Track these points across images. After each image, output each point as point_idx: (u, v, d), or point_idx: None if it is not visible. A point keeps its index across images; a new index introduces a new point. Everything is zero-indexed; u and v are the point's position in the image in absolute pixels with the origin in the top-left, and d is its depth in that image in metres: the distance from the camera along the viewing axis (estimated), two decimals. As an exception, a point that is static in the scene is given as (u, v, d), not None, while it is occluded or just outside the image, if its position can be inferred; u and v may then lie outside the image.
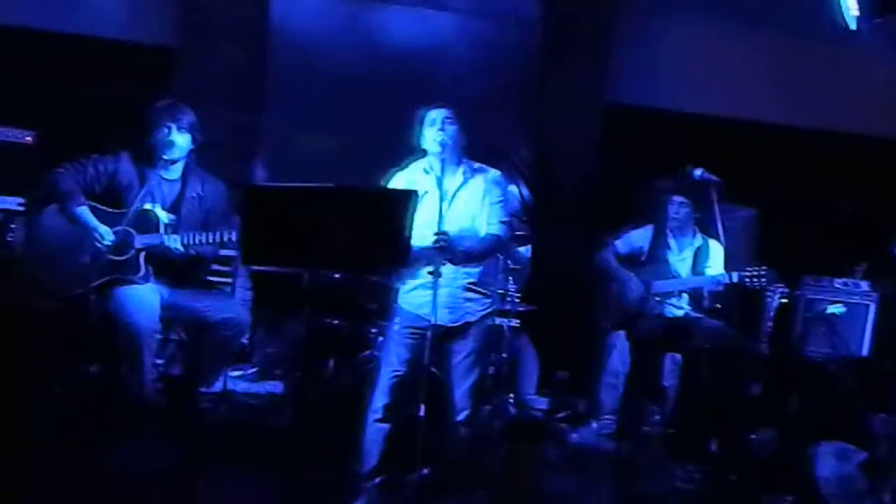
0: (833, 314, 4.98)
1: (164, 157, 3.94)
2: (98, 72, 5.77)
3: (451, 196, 3.53)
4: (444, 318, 3.41)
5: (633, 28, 6.40)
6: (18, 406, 3.52)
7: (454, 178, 3.55)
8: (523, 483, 3.67)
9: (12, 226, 4.49)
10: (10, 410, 3.45)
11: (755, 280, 4.36)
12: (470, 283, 3.54)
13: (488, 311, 3.60)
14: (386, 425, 3.51)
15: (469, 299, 3.54)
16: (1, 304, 3.88)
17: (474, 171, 3.60)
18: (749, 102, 6.43)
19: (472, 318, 3.54)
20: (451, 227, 3.40)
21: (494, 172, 3.65)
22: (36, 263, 4.00)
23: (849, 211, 6.09)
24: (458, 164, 3.58)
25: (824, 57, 6.45)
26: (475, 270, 3.54)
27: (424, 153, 3.60)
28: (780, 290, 4.46)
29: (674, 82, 6.47)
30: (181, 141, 4.00)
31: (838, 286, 5.10)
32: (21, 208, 4.59)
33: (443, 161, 3.45)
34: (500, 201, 3.59)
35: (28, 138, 4.79)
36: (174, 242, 3.88)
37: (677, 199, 4.73)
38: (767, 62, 6.47)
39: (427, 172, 3.57)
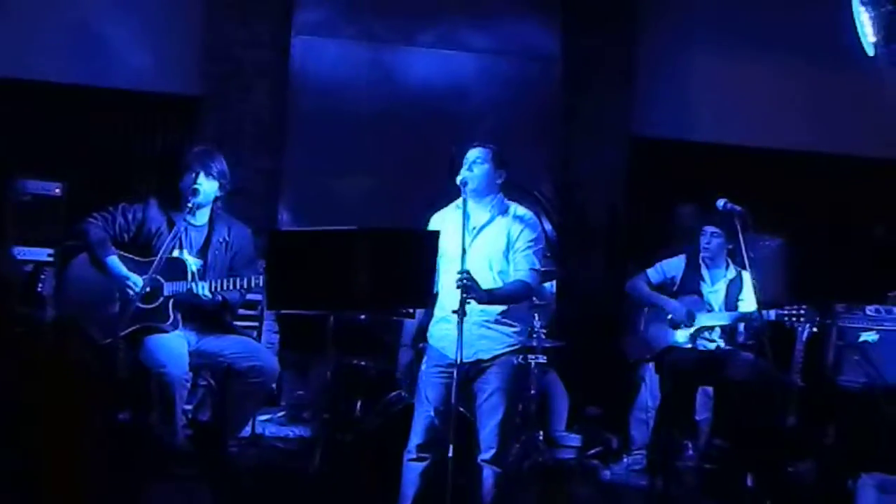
0: (866, 342, 4.88)
1: (191, 202, 3.96)
2: (124, 123, 5.91)
3: (475, 233, 3.52)
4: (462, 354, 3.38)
5: (654, 60, 6.43)
6: (54, 455, 3.54)
7: (481, 216, 3.54)
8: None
9: (42, 276, 4.55)
10: (45, 459, 3.46)
11: (794, 319, 4.30)
12: (484, 320, 3.49)
13: (507, 349, 3.53)
14: (421, 465, 3.47)
15: (483, 336, 3.49)
16: (33, 355, 3.91)
17: (504, 210, 3.58)
18: (774, 130, 6.41)
19: (485, 356, 3.48)
20: (474, 263, 3.38)
21: (526, 212, 3.62)
22: (66, 313, 4.04)
23: (879, 237, 6.00)
24: (490, 202, 3.56)
25: (849, 83, 6.41)
26: (493, 309, 3.49)
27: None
28: (812, 319, 4.38)
29: (697, 112, 6.47)
30: (208, 187, 4.04)
31: (871, 313, 5.00)
32: (51, 259, 4.65)
33: (465, 199, 3.44)
34: (531, 246, 3.54)
35: (57, 190, 4.88)
36: (202, 289, 3.90)
37: (709, 229, 4.70)
38: (791, 89, 6.46)
39: (459, 209, 3.56)
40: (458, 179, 3.46)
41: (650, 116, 6.38)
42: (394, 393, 4.23)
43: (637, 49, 6.39)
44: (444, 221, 3.56)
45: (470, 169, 3.51)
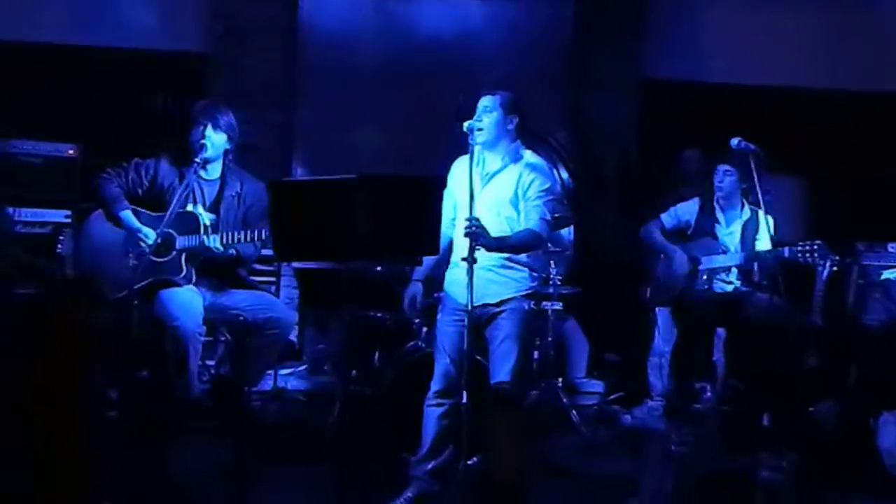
0: (888, 279, 4.82)
1: (201, 156, 3.98)
2: (134, 83, 5.89)
3: (486, 181, 3.49)
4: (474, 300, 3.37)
5: (664, 2, 6.28)
6: (75, 413, 3.61)
7: (493, 163, 3.51)
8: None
9: (61, 237, 4.59)
10: (66, 417, 3.53)
11: (808, 255, 4.24)
12: (491, 265, 3.45)
13: (515, 294, 3.51)
14: (438, 409, 3.50)
15: (491, 281, 3.46)
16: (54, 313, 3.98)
17: (516, 158, 3.54)
18: (788, 69, 6.28)
19: (491, 301, 3.46)
20: (483, 211, 3.36)
21: (539, 160, 3.58)
22: (85, 271, 4.10)
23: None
24: (503, 149, 3.52)
25: (862, 20, 6.26)
26: (499, 254, 3.46)
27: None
28: (832, 258, 4.32)
29: (710, 54, 6.36)
30: (217, 139, 4.05)
31: (892, 251, 4.93)
32: (68, 220, 4.70)
33: (472, 147, 3.40)
34: (542, 196, 3.50)
35: (71, 152, 4.90)
36: (214, 242, 3.94)
37: (722, 167, 4.63)
38: (806, 27, 6.31)
39: (472, 158, 3.51)
40: (465, 127, 3.42)
41: (662, 59, 6.26)
42: (411, 343, 4.25)
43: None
44: (458, 169, 3.54)
45: (479, 118, 3.47)
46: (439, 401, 3.50)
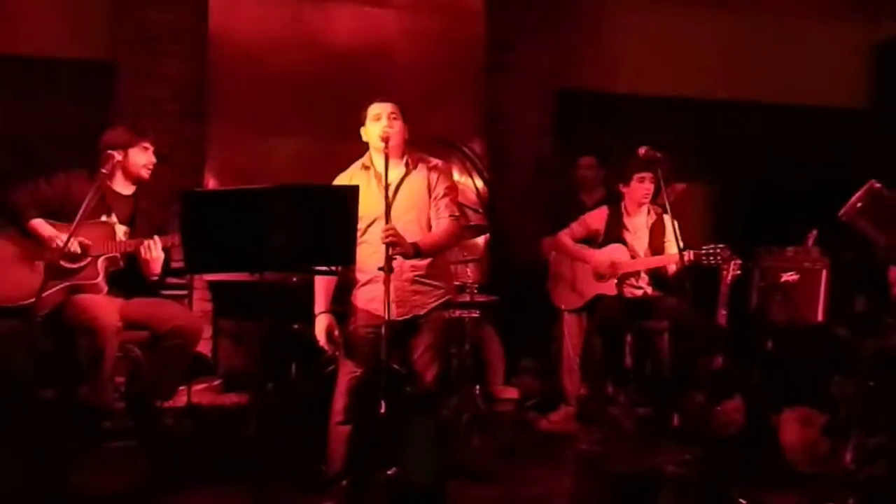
0: (787, 282, 5.05)
1: (115, 178, 4.00)
2: (39, 91, 5.70)
3: (395, 189, 3.51)
4: (393, 312, 3.40)
5: (579, 12, 6.45)
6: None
7: (397, 172, 3.53)
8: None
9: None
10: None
11: (712, 258, 4.41)
12: (417, 276, 3.52)
13: (439, 302, 3.57)
14: (347, 427, 3.49)
15: (417, 292, 3.52)
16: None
17: (417, 163, 3.59)
18: (695, 80, 6.53)
19: (421, 311, 3.52)
20: (397, 220, 3.38)
21: (437, 162, 3.64)
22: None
23: (798, 180, 6.18)
24: (401, 157, 3.56)
25: (768, 32, 6.57)
26: (422, 262, 3.51)
27: (366, 148, 3.59)
28: (735, 261, 4.51)
29: (621, 64, 6.55)
30: (132, 168, 4.07)
31: (790, 254, 5.16)
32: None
33: (385, 155, 3.42)
34: (448, 193, 3.56)
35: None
36: (156, 247, 3.90)
37: (638, 175, 4.78)
38: (709, 39, 6.59)
39: (367, 168, 3.56)
40: (380, 134, 3.43)
41: (575, 69, 6.42)
42: (327, 354, 4.22)
43: (558, 2, 6.40)
44: (352, 183, 3.50)
45: (387, 123, 3.49)
46: (347, 417, 3.49)
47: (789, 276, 5.06)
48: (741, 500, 3.42)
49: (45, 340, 3.83)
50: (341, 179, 3.58)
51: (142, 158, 4.09)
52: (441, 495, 3.52)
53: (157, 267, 3.94)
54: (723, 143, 6.47)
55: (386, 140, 3.43)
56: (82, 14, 5.78)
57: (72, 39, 5.74)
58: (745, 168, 6.38)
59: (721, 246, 4.42)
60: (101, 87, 5.72)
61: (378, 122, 3.49)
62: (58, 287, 3.89)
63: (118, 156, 4.01)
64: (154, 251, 3.89)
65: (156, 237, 3.92)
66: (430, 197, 3.55)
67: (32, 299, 3.73)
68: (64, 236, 3.84)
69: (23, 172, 4.12)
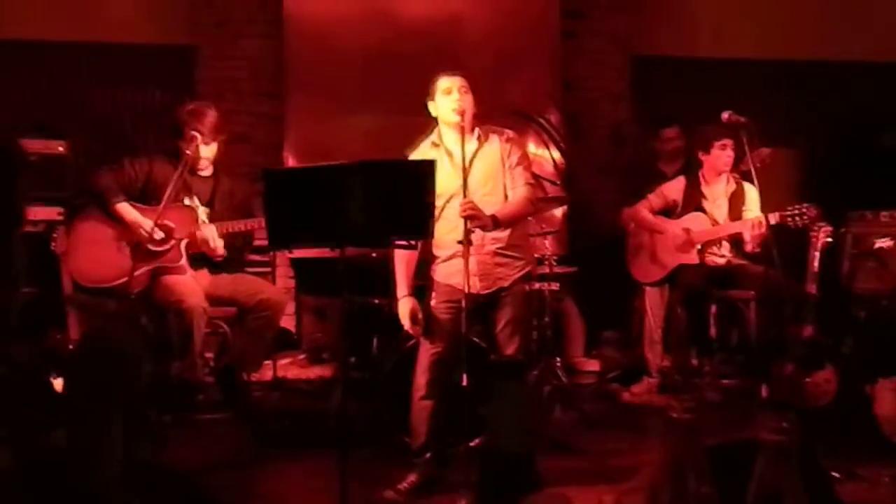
0: (881, 248, 4.84)
1: (192, 161, 4.08)
2: (121, 76, 5.88)
3: (468, 163, 3.46)
4: (476, 286, 3.40)
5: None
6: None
7: (469, 146, 3.47)
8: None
9: (54, 234, 4.59)
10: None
11: (797, 218, 4.26)
12: (499, 249, 3.50)
13: (521, 274, 3.55)
14: (429, 402, 3.51)
15: (499, 265, 3.50)
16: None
17: (488, 135, 3.54)
18: (775, 41, 6.30)
19: (505, 284, 3.51)
20: (474, 194, 3.36)
21: (508, 133, 3.58)
22: (80, 263, 4.12)
23: (889, 143, 5.91)
24: (472, 130, 3.50)
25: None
26: (503, 235, 3.49)
27: (435, 123, 3.57)
28: (825, 228, 4.34)
29: (701, 28, 6.35)
30: (206, 149, 4.16)
31: (885, 219, 4.95)
32: (61, 217, 4.69)
33: (462, 128, 3.40)
34: (521, 162, 3.52)
35: (60, 148, 4.89)
36: (211, 231, 4.00)
37: (719, 142, 4.65)
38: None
39: (437, 145, 3.52)
40: (454, 108, 3.41)
41: (651, 35, 6.26)
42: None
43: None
44: (427, 156, 3.47)
45: (459, 97, 3.43)
46: (429, 392, 3.50)
47: (883, 243, 4.85)
48: (834, 473, 3.32)
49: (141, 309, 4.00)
50: (413, 157, 3.55)
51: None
52: (531, 463, 3.52)
53: (218, 251, 4.07)
54: (810, 105, 6.23)
55: (462, 114, 3.40)
56: (162, 1, 5.92)
57: (152, 25, 5.90)
58: (835, 130, 6.13)
59: (807, 205, 4.26)
60: (182, 70, 5.88)
61: (449, 96, 3.45)
62: (144, 269, 4.02)
63: (199, 136, 4.08)
64: (212, 241, 4.01)
65: (206, 224, 4.03)
66: (504, 168, 3.51)
67: (125, 279, 3.87)
68: (147, 221, 3.96)
69: (109, 155, 4.27)
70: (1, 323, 4.24)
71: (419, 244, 3.44)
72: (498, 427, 3.48)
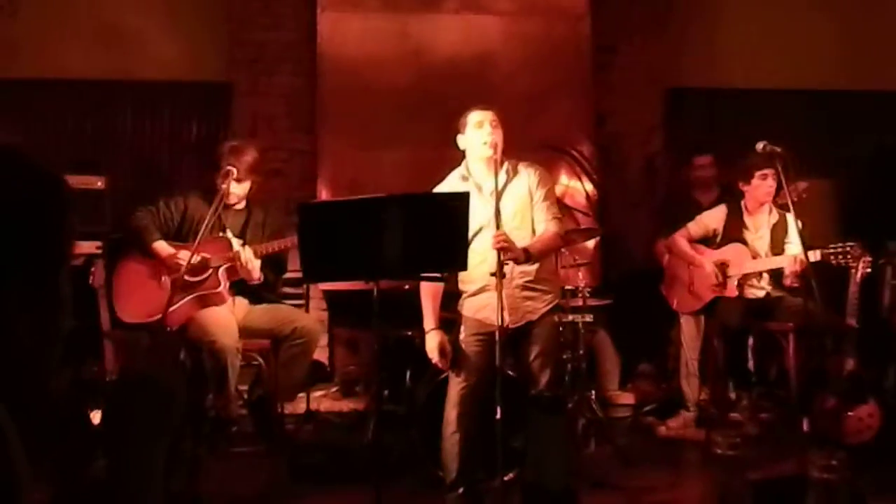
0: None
1: (227, 198, 4.15)
2: (158, 114, 6.02)
3: (497, 198, 3.42)
4: (505, 320, 3.37)
5: (683, 7, 6.30)
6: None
7: (498, 179, 3.44)
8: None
9: (92, 269, 4.66)
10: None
11: (841, 257, 4.19)
12: (527, 282, 3.48)
13: (549, 307, 3.53)
14: (460, 435, 3.48)
15: (528, 298, 3.49)
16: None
17: (517, 169, 3.54)
18: (810, 71, 6.26)
19: (534, 317, 3.49)
20: (503, 227, 3.32)
21: (536, 167, 3.58)
22: (119, 300, 4.17)
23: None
24: (500, 164, 3.48)
25: (887, 15, 6.23)
26: (531, 269, 3.47)
27: (463, 157, 3.57)
28: (865, 258, 4.26)
29: (731, 59, 6.33)
30: (238, 189, 4.23)
31: (926, 250, 4.86)
32: (99, 251, 4.77)
33: (495, 161, 3.40)
34: (548, 197, 3.52)
35: (99, 184, 4.99)
36: (248, 254, 4.05)
37: (760, 172, 4.61)
38: (824, 28, 6.30)
39: (466, 179, 3.52)
40: (486, 142, 3.42)
41: (683, 67, 6.26)
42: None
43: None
44: (458, 188, 3.47)
45: (490, 130, 3.44)
46: (459, 425, 3.47)
47: (925, 273, 4.76)
48: (880, 510, 3.23)
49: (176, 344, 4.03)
50: (441, 189, 3.55)
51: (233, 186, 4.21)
52: (572, 498, 3.47)
53: (255, 273, 4.09)
54: (844, 135, 6.17)
55: (495, 147, 3.40)
56: (199, 39, 6.06)
57: (190, 63, 6.03)
58: (871, 160, 6.05)
59: (851, 244, 4.19)
60: (218, 106, 5.99)
61: (481, 130, 3.45)
62: (185, 300, 4.06)
63: (234, 171, 4.14)
64: (248, 263, 4.04)
65: (243, 247, 4.08)
66: (531, 201, 3.51)
67: (159, 315, 3.91)
68: (184, 253, 4.02)
69: (146, 190, 4.35)
70: (45, 357, 4.29)
71: (447, 277, 3.44)
72: (540, 462, 3.44)
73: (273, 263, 4.24)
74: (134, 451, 2.05)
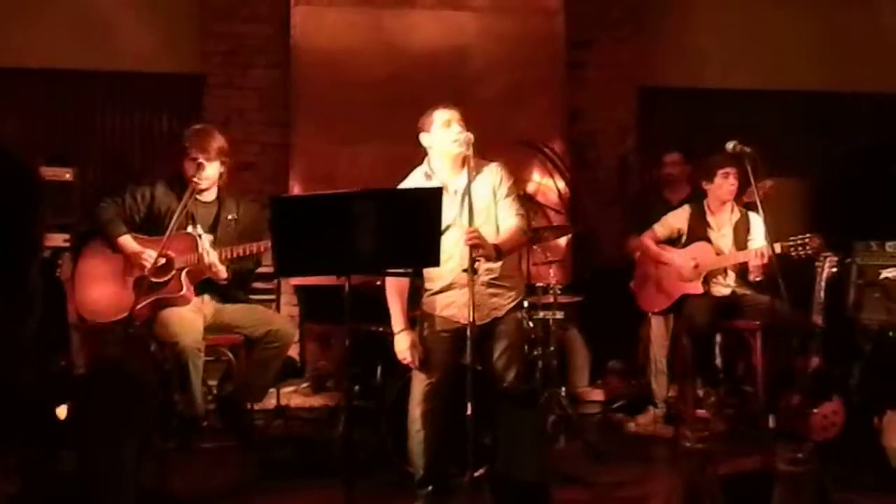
0: (887, 278, 4.83)
1: (196, 184, 4.02)
2: (130, 105, 5.95)
3: (462, 196, 3.43)
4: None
5: (658, 7, 6.34)
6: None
7: (461, 178, 3.45)
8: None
9: (59, 262, 4.60)
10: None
11: (801, 248, 4.26)
12: (492, 279, 3.48)
13: (513, 303, 3.54)
14: (425, 432, 3.50)
15: (493, 295, 3.49)
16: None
17: (480, 167, 3.52)
18: (782, 72, 6.33)
19: (499, 314, 3.50)
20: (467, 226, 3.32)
21: (497, 165, 3.57)
22: (83, 297, 4.10)
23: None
24: (462, 164, 3.47)
25: (860, 19, 6.33)
26: (496, 266, 3.47)
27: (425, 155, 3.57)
28: (831, 258, 4.33)
29: (708, 58, 6.39)
30: (210, 171, 4.09)
31: (890, 250, 4.94)
32: (66, 244, 4.71)
33: (466, 158, 3.39)
34: (509, 193, 3.52)
35: (68, 175, 4.93)
36: (213, 257, 3.95)
37: (722, 171, 4.66)
38: (797, 30, 6.38)
39: (430, 176, 3.52)
40: (459, 140, 3.41)
41: (657, 65, 6.30)
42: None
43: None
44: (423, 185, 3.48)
45: (460, 128, 3.44)
46: (424, 423, 3.49)
47: (890, 273, 4.84)
48: (842, 506, 3.28)
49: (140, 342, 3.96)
50: (405, 186, 3.54)
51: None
52: (545, 492, 3.49)
53: (221, 274, 4.00)
54: (816, 135, 6.25)
55: (468, 144, 3.38)
56: (172, 30, 6.01)
57: (162, 54, 5.97)
58: (841, 160, 6.15)
59: (809, 235, 4.25)
60: (190, 98, 5.93)
61: (449, 129, 3.45)
62: (146, 301, 3.94)
63: (201, 157, 4.03)
64: (213, 266, 3.94)
65: (212, 246, 3.97)
66: (494, 199, 3.51)
67: (125, 314, 3.84)
68: (149, 252, 3.93)
69: (116, 182, 4.27)
70: (13, 350, 4.22)
71: (415, 273, 3.43)
72: (512, 455, 3.46)
73: (247, 260, 4.15)
74: (105, 444, 2.03)
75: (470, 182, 3.43)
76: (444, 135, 3.46)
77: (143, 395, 2.21)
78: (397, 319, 3.55)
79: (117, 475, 2.05)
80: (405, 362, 3.54)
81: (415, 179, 3.57)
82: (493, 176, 3.52)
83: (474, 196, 3.44)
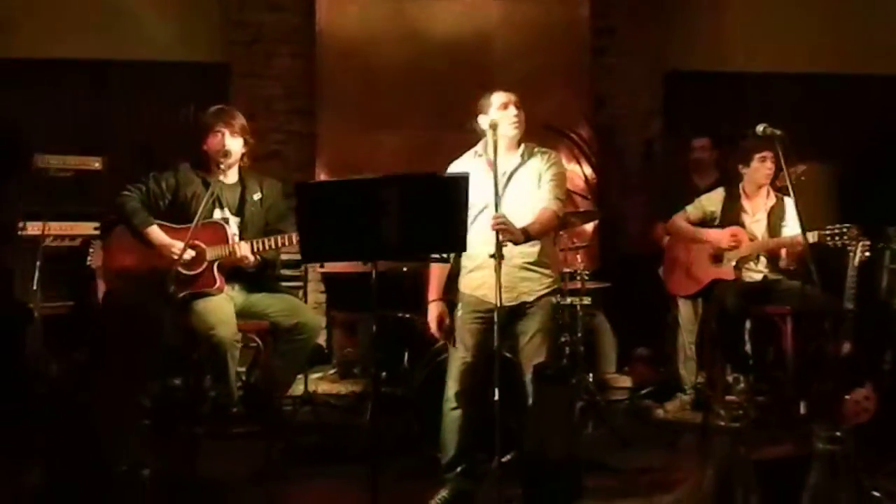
0: (922, 262, 4.75)
1: (222, 163, 3.99)
2: (157, 95, 5.99)
3: (508, 177, 3.50)
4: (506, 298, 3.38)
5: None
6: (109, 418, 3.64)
7: (512, 160, 3.52)
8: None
9: (90, 250, 4.65)
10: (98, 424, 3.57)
11: (838, 238, 4.19)
12: (526, 262, 3.50)
13: (547, 290, 3.55)
14: (459, 412, 3.51)
15: (525, 279, 3.51)
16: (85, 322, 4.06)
17: (533, 153, 3.58)
18: (811, 55, 6.24)
19: (529, 298, 3.50)
20: (509, 208, 3.36)
21: (552, 153, 3.64)
22: (114, 282, 4.12)
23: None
24: (517, 146, 3.56)
25: (887, 2, 6.22)
26: (533, 250, 3.50)
27: (476, 138, 3.59)
28: (863, 243, 4.26)
29: (733, 42, 6.31)
30: (234, 146, 4.06)
31: (924, 234, 4.85)
32: (97, 231, 4.75)
33: (495, 141, 3.38)
34: (555, 179, 3.55)
35: (97, 164, 4.96)
36: (244, 250, 3.94)
37: (759, 154, 4.60)
38: (829, 8, 6.28)
39: (480, 156, 3.57)
40: (488, 122, 3.42)
41: (682, 50, 6.23)
42: (439, 342, 4.25)
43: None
44: (466, 170, 3.44)
45: (515, 112, 3.51)
46: (459, 403, 3.51)
47: (924, 257, 4.75)
48: (874, 492, 3.24)
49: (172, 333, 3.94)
50: (455, 167, 3.59)
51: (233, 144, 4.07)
52: (576, 471, 3.48)
53: (251, 262, 3.98)
54: (844, 119, 6.16)
55: (520, 127, 3.48)
56: (196, 19, 6.05)
57: (187, 44, 6.01)
58: (871, 144, 6.04)
59: (847, 225, 4.19)
60: (215, 88, 5.95)
61: (506, 111, 3.50)
62: (181, 295, 3.90)
63: (228, 134, 4.01)
64: (245, 259, 3.94)
65: (238, 244, 3.96)
66: (538, 183, 3.54)
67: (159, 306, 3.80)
68: (178, 244, 3.88)
69: (145, 170, 4.26)
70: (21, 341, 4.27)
71: (451, 257, 3.45)
72: (541, 436, 3.44)
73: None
74: (118, 370, 2.04)
75: (519, 166, 3.50)
76: (501, 117, 3.48)
77: (151, 324, 2.23)
78: (431, 290, 3.63)
79: (123, 402, 2.06)
80: (432, 331, 3.61)
81: (465, 158, 3.61)
82: (543, 163, 3.56)
83: (520, 180, 3.51)
